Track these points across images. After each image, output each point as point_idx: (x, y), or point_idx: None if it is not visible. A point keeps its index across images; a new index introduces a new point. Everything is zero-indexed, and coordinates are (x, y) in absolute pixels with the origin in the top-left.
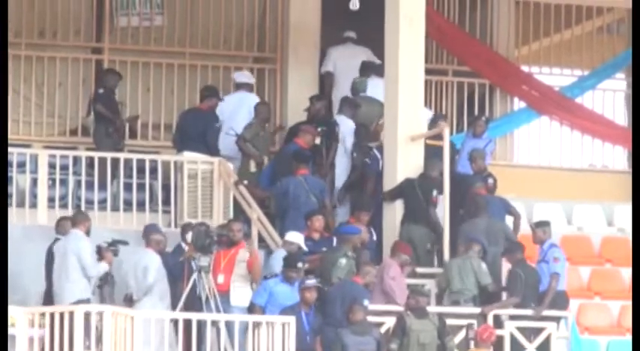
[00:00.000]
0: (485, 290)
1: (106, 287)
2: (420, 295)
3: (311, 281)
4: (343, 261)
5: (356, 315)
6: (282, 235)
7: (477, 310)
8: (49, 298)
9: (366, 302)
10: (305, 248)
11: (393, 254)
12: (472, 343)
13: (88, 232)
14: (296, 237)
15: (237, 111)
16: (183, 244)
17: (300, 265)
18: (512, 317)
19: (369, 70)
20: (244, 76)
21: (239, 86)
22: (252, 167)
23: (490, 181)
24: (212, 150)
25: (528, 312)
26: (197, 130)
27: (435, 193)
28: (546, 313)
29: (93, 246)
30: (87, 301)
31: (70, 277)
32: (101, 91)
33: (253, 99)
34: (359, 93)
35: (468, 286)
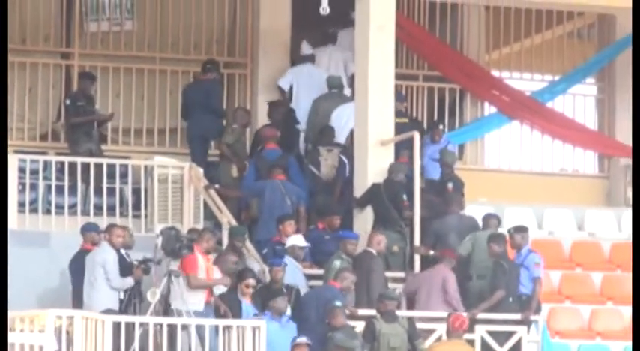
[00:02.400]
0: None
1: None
2: (389, 299)
3: (302, 339)
4: (337, 263)
5: (337, 318)
6: (253, 237)
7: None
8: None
9: (339, 303)
10: (305, 244)
11: (441, 261)
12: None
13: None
14: (293, 240)
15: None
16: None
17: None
18: (483, 321)
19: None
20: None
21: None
22: (234, 172)
23: (449, 185)
24: (218, 114)
25: (500, 316)
26: (200, 98)
27: (404, 197)
28: (516, 316)
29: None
30: (115, 311)
31: (97, 287)
32: (68, 102)
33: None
34: (332, 89)
35: None
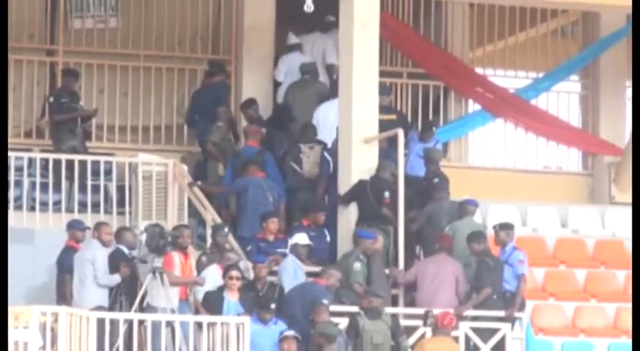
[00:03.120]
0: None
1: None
2: (373, 296)
3: (289, 332)
4: (358, 265)
5: (321, 315)
6: (236, 233)
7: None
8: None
9: (325, 301)
10: (308, 242)
11: (442, 249)
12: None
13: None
14: (296, 238)
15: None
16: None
17: (273, 306)
18: (467, 318)
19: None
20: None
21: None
22: (221, 170)
23: (435, 180)
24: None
25: (484, 313)
26: (210, 104)
27: (386, 194)
28: (500, 313)
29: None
30: (105, 309)
31: (87, 284)
32: (51, 99)
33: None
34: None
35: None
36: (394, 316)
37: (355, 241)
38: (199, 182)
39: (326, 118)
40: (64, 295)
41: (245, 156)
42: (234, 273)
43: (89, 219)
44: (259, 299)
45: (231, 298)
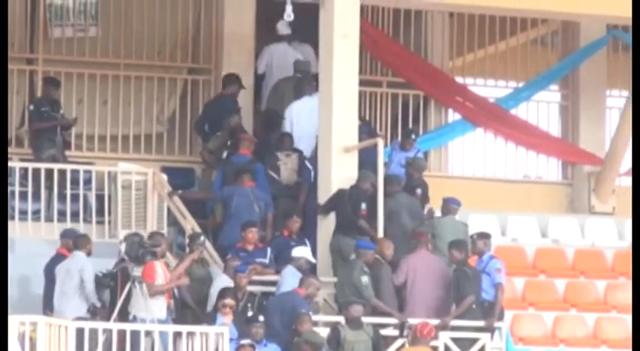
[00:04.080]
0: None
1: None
2: (355, 305)
3: (245, 340)
4: (366, 279)
5: (303, 325)
6: (216, 242)
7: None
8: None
9: (304, 310)
10: (314, 261)
11: (419, 245)
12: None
13: (89, 254)
14: (303, 252)
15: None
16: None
17: (261, 318)
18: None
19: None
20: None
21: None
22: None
23: (418, 191)
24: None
25: (464, 323)
26: (219, 114)
27: (363, 205)
28: (480, 323)
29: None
30: (85, 319)
31: (70, 295)
32: (31, 107)
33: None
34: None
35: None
36: (375, 327)
37: (356, 253)
38: (179, 191)
39: (299, 115)
40: (50, 304)
41: (236, 164)
42: (228, 301)
43: (68, 228)
44: (247, 317)
45: (226, 321)
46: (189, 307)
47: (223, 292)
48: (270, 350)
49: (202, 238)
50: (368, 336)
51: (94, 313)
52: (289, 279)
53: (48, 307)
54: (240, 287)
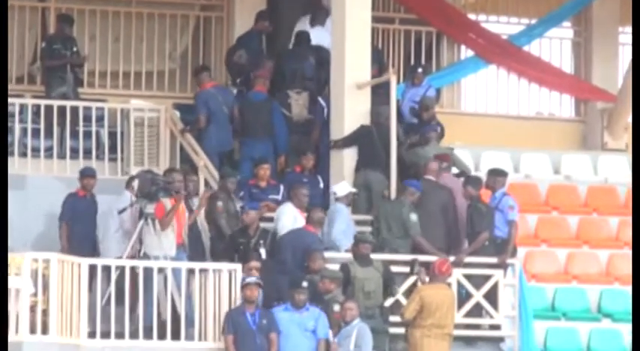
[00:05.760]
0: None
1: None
2: (364, 243)
3: (251, 278)
4: (415, 217)
5: (316, 263)
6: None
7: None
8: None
9: (318, 248)
10: (354, 190)
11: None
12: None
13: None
14: (345, 187)
15: None
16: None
17: (305, 284)
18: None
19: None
20: None
21: None
22: None
23: (438, 129)
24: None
25: (477, 260)
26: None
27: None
28: (492, 260)
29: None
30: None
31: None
32: (43, 44)
33: None
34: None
35: (396, 235)
36: (385, 263)
37: (403, 191)
38: (188, 127)
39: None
40: (63, 242)
41: (252, 101)
42: (254, 264)
43: (81, 166)
44: (290, 284)
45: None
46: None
47: (248, 256)
48: (312, 314)
49: (238, 177)
50: (378, 272)
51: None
52: (285, 217)
53: (63, 245)
54: (248, 224)
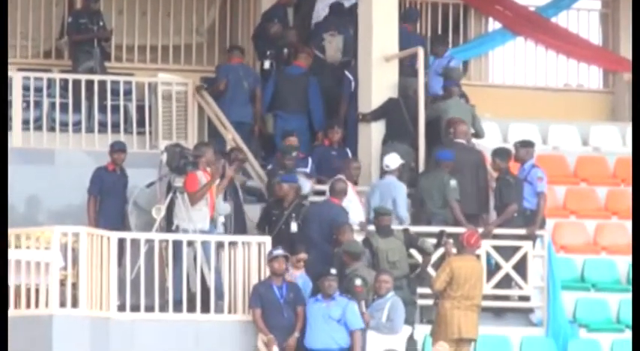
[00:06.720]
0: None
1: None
2: (383, 215)
3: (278, 251)
4: (454, 182)
5: (345, 235)
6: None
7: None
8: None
9: (346, 220)
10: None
11: None
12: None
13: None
14: (395, 158)
15: None
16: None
17: (333, 271)
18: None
19: None
20: None
21: None
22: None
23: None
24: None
25: (505, 231)
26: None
27: None
28: (521, 231)
29: None
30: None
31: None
32: (70, 19)
33: None
34: None
35: (441, 206)
36: (406, 230)
37: (436, 163)
38: (206, 85)
39: None
40: (91, 216)
41: (290, 75)
42: (302, 256)
43: (109, 140)
44: (320, 272)
45: (296, 273)
46: None
47: (296, 247)
48: (338, 304)
49: (295, 153)
50: (400, 241)
51: None
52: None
53: (90, 219)
54: (280, 196)
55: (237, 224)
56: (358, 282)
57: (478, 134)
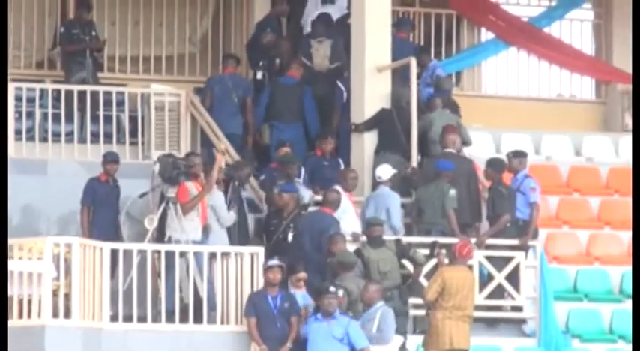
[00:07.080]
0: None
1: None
2: (374, 226)
3: (273, 261)
4: (453, 192)
5: (337, 245)
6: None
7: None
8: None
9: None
10: (395, 171)
11: None
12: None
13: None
14: (387, 170)
15: None
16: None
17: (332, 289)
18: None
19: None
20: None
21: None
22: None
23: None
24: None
25: (498, 241)
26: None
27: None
28: (514, 242)
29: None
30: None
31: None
32: (62, 30)
33: None
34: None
35: (438, 214)
36: (398, 241)
37: (437, 174)
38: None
39: None
40: (84, 226)
41: (284, 84)
42: (302, 275)
43: (102, 150)
44: (319, 289)
45: (298, 292)
46: None
47: (295, 267)
48: (340, 323)
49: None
50: (391, 251)
51: None
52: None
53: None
54: (279, 207)
55: (241, 233)
56: (340, 293)
57: (466, 143)
